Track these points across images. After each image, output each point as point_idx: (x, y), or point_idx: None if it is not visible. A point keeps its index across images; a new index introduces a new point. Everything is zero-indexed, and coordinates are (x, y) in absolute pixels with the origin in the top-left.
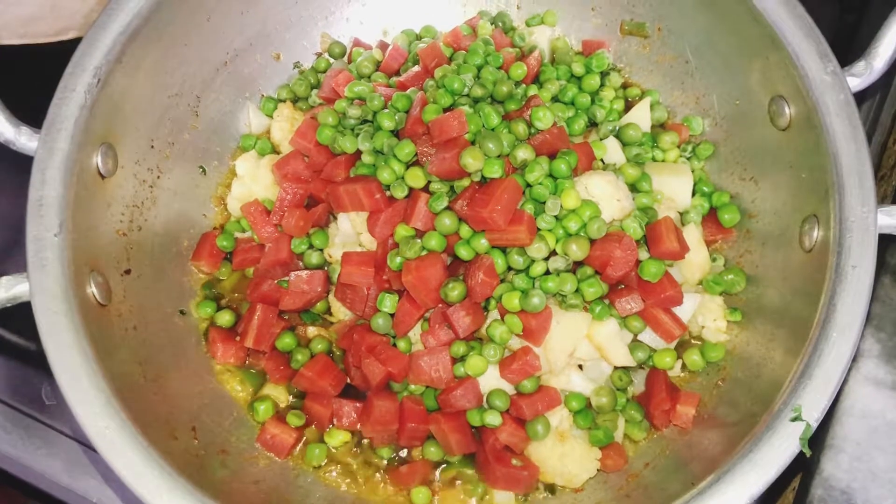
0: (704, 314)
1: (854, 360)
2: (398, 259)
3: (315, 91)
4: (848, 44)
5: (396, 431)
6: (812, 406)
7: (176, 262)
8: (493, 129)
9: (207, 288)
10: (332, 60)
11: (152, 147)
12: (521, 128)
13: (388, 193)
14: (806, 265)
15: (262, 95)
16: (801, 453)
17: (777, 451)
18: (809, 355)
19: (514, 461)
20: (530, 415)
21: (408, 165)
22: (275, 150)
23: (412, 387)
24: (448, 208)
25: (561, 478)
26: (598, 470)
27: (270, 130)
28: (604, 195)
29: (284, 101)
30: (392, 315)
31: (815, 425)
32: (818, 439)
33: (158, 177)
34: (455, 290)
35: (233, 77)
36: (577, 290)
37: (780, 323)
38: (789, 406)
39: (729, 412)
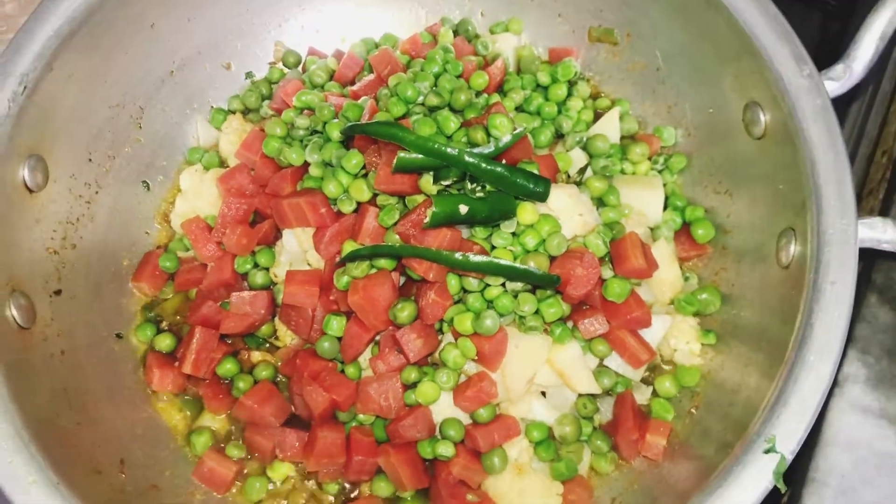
0: (677, 336)
1: (837, 385)
2: (345, 278)
3: (267, 102)
4: (832, 52)
5: (343, 465)
6: (787, 436)
7: (114, 282)
8: (449, 137)
9: (147, 310)
10: (286, 70)
11: (90, 160)
12: (479, 135)
13: (334, 208)
14: (783, 282)
15: (212, 107)
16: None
17: (747, 487)
18: (784, 380)
19: (469, 497)
20: (486, 446)
21: (356, 178)
22: (223, 165)
23: (360, 416)
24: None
25: None
26: None
27: (219, 143)
28: (564, 209)
29: (234, 112)
30: (340, 339)
31: (790, 457)
32: (799, 472)
33: (97, 192)
34: (405, 311)
35: (180, 87)
36: (536, 312)
37: (757, 345)
38: (763, 436)
39: (702, 442)
